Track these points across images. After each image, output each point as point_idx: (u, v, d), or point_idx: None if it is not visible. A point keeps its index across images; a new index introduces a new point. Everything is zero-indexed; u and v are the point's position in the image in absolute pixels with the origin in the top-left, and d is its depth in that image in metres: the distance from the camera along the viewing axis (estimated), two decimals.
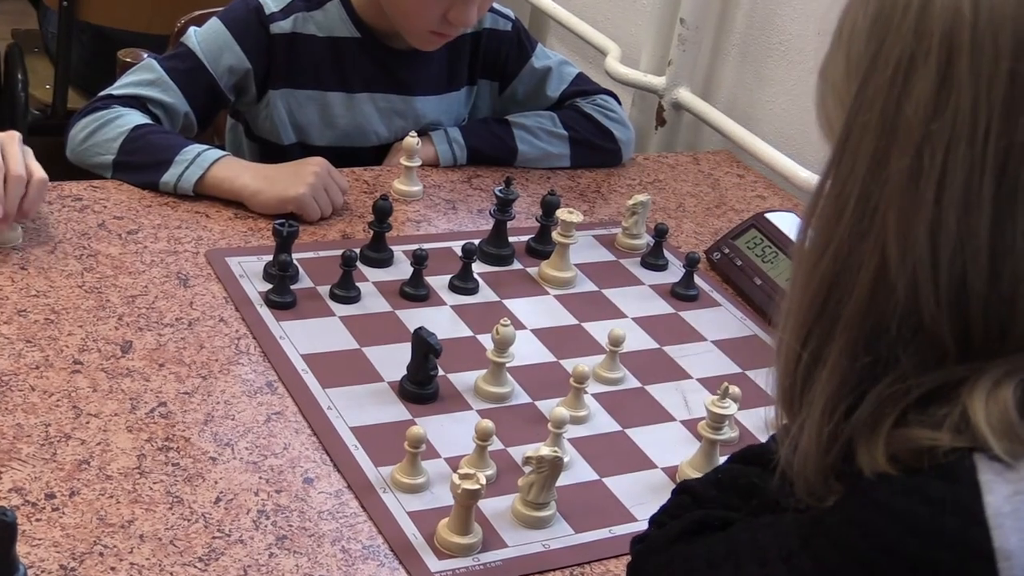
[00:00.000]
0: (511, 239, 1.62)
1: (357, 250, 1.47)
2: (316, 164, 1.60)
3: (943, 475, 0.72)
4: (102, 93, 1.68)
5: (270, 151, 1.79)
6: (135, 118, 1.63)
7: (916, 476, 0.73)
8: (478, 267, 1.53)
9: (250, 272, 1.46)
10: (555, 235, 1.56)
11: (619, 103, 1.91)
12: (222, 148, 1.86)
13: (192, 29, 1.73)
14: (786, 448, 0.80)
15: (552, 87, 1.88)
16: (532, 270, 1.58)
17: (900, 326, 0.75)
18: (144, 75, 1.69)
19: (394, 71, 1.79)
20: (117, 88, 1.69)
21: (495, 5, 1.87)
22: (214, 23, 1.73)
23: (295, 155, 1.76)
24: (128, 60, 1.87)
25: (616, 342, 1.37)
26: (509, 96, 1.90)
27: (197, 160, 1.58)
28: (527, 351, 1.40)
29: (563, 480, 1.17)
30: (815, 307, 0.77)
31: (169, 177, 1.57)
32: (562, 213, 1.54)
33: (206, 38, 1.71)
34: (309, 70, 1.75)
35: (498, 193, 1.56)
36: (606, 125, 1.87)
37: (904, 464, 0.74)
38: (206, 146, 1.61)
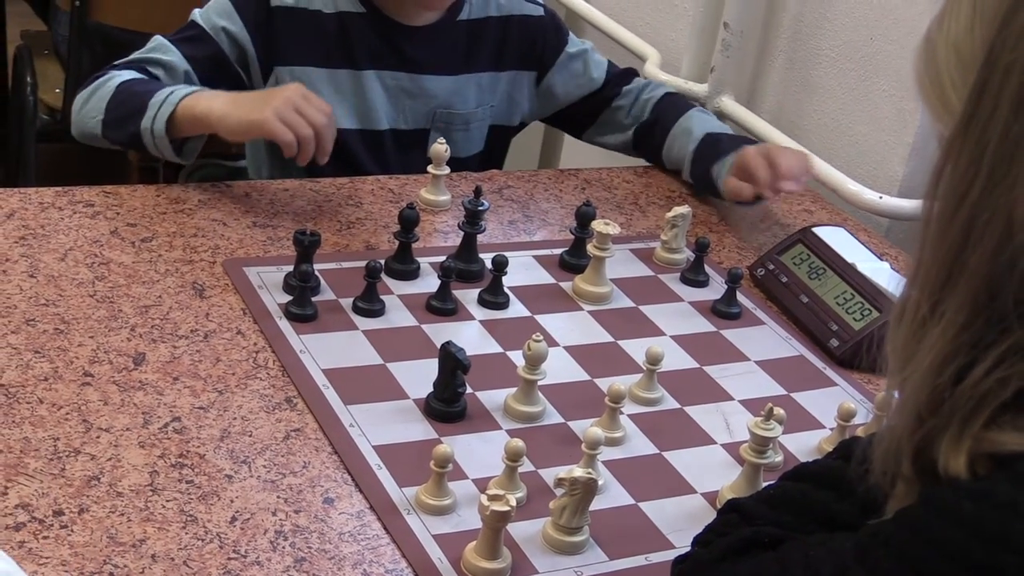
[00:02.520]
0: (544, 252, 1.63)
1: (382, 261, 1.48)
2: (288, 88, 1.61)
3: (1013, 479, 0.73)
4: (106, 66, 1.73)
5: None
6: (124, 75, 1.67)
7: (985, 481, 0.74)
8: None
9: (269, 283, 1.47)
10: (590, 248, 1.57)
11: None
12: (240, 158, 1.89)
13: (196, 8, 1.79)
14: (879, 427, 0.82)
15: (595, 69, 1.93)
16: (566, 284, 1.59)
17: (1020, 285, 0.76)
18: (148, 45, 1.75)
19: (402, 47, 1.82)
20: (120, 60, 1.74)
21: None
22: None
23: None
24: None
25: (654, 360, 1.38)
26: (550, 83, 1.92)
27: (168, 98, 1.60)
28: (560, 369, 1.41)
29: (597, 504, 1.17)
30: (948, 259, 0.79)
31: (145, 122, 1.60)
32: (598, 225, 1.54)
33: (207, 8, 1.78)
34: (316, 47, 1.79)
35: (466, 205, 1.56)
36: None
37: (981, 471, 0.75)
38: (183, 86, 1.64)
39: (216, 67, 1.75)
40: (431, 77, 1.83)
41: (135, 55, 1.74)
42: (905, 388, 0.81)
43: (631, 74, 1.97)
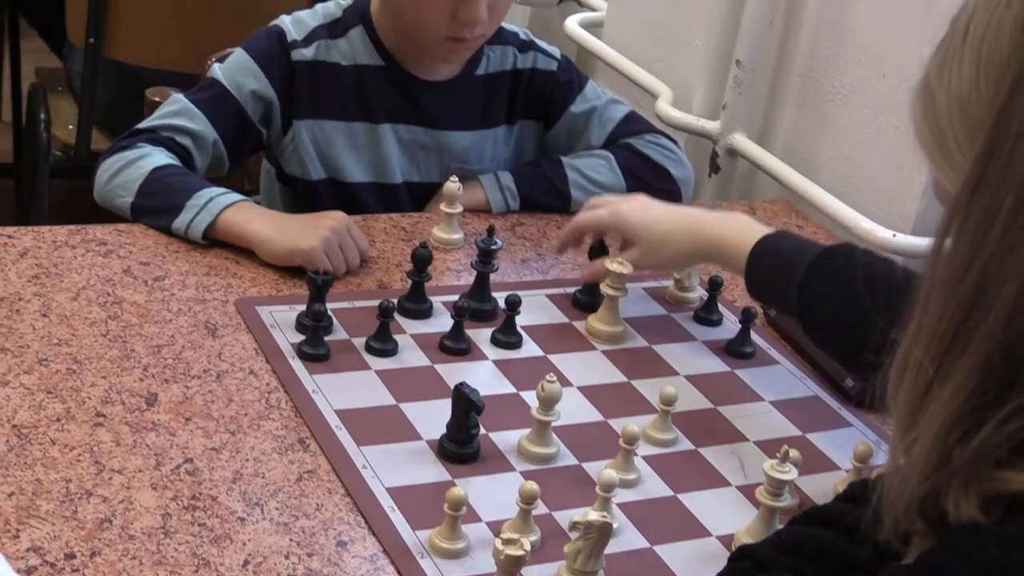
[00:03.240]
0: (557, 291, 1.62)
1: (395, 301, 1.48)
2: (334, 218, 1.60)
3: None
4: (130, 130, 1.71)
5: (300, 191, 1.81)
6: (158, 158, 1.66)
7: (1010, 524, 0.73)
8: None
9: (282, 322, 1.47)
10: (603, 287, 1.56)
11: (675, 143, 1.91)
12: (254, 194, 1.89)
13: (216, 63, 1.78)
14: (888, 470, 0.80)
15: (595, 134, 1.88)
16: (579, 324, 1.58)
17: None
18: (170, 107, 1.74)
19: (419, 102, 1.81)
20: (144, 123, 1.73)
21: (541, 44, 1.89)
22: (237, 52, 1.78)
23: (326, 193, 1.79)
24: (156, 99, 1.91)
25: (668, 401, 1.37)
26: (552, 139, 1.91)
27: (208, 206, 1.59)
28: (574, 409, 1.40)
29: (612, 547, 1.16)
30: (953, 323, 0.78)
31: (180, 223, 1.59)
32: (611, 264, 1.54)
33: (229, 66, 1.77)
34: (333, 99, 1.78)
35: (479, 243, 1.56)
36: (663, 164, 1.86)
37: (996, 512, 0.74)
38: (222, 190, 1.62)
39: (239, 126, 1.75)
40: (448, 132, 1.83)
41: (160, 119, 1.72)
42: (912, 449, 0.80)
43: (641, 132, 1.90)
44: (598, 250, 1.62)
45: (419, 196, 1.84)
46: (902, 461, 0.81)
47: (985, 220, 0.76)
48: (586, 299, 1.62)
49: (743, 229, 1.49)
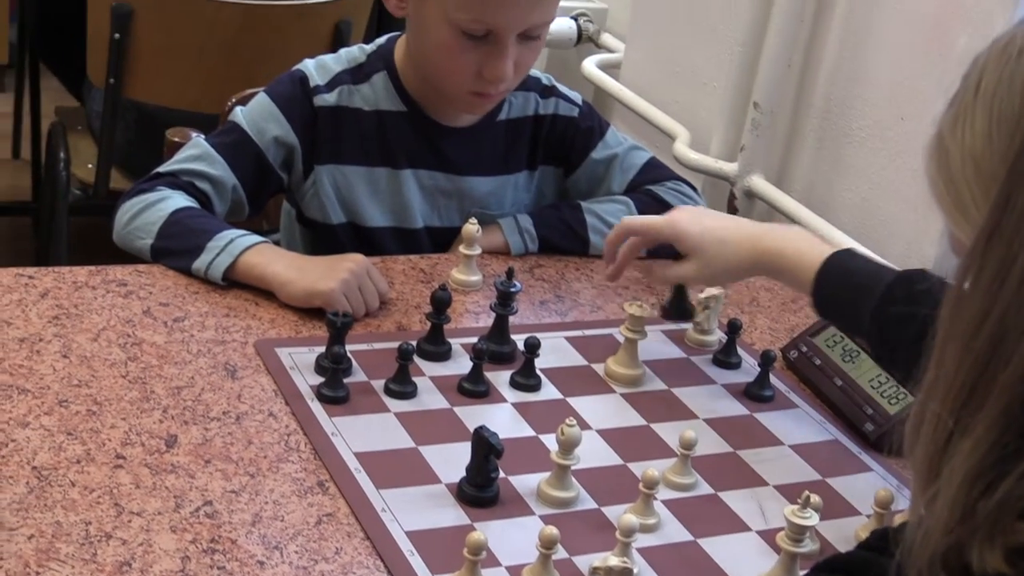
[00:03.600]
0: (576, 333, 1.62)
1: (414, 343, 1.48)
2: (353, 260, 1.60)
3: None
4: (151, 173, 1.72)
5: (320, 234, 1.81)
6: (177, 201, 1.67)
7: None
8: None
9: (301, 364, 1.47)
10: (622, 330, 1.56)
11: (695, 191, 1.91)
12: (273, 233, 1.90)
13: (239, 107, 1.78)
14: (911, 522, 0.80)
15: (617, 180, 1.89)
16: (598, 367, 1.58)
17: None
18: (190, 151, 1.74)
19: (441, 148, 1.81)
20: (164, 167, 1.73)
21: (563, 89, 1.89)
22: (260, 97, 1.78)
23: (346, 237, 1.79)
24: (176, 140, 1.92)
25: (687, 445, 1.37)
26: (572, 185, 1.91)
27: (228, 247, 1.60)
28: (593, 453, 1.40)
29: None
30: (972, 375, 0.78)
31: (200, 264, 1.60)
32: (630, 307, 1.54)
33: (251, 111, 1.77)
34: (355, 144, 1.78)
35: (498, 286, 1.56)
36: None
37: (1022, 564, 0.74)
38: (243, 232, 1.63)
39: (259, 172, 1.75)
40: (469, 178, 1.83)
41: (180, 163, 1.73)
42: (934, 503, 0.79)
43: (661, 180, 1.90)
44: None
45: (440, 241, 1.85)
46: (923, 513, 0.80)
47: (1001, 270, 0.76)
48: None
49: (807, 243, 1.49)
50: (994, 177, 0.78)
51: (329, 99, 1.77)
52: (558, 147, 1.89)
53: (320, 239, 1.82)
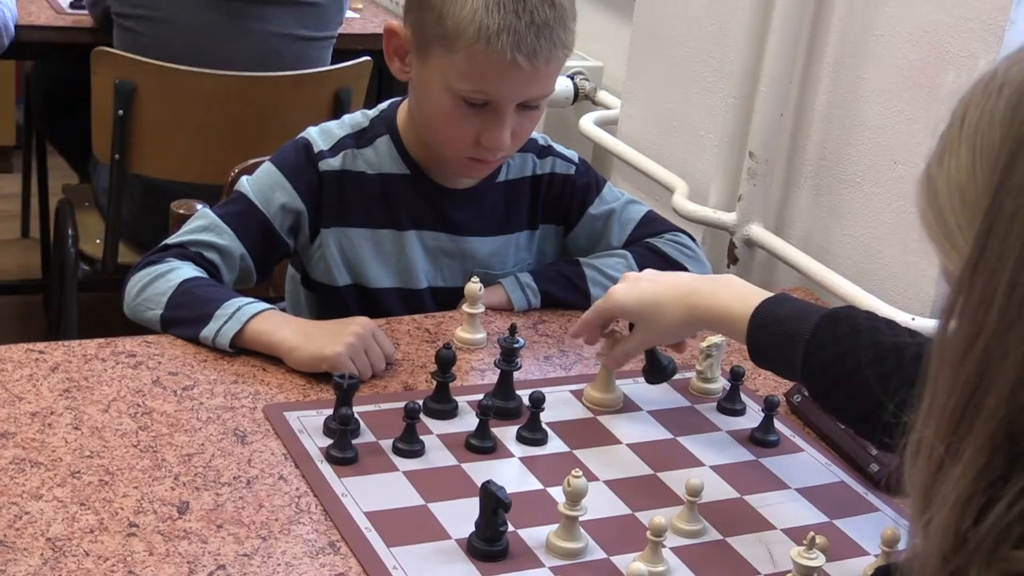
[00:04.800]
0: (581, 386, 1.64)
1: (420, 402, 1.49)
2: (359, 324, 1.62)
3: None
4: (159, 245, 1.74)
5: (326, 296, 1.84)
6: (186, 271, 1.69)
7: None
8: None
9: (310, 427, 1.49)
10: (598, 356, 1.59)
11: (694, 240, 1.93)
12: (280, 301, 1.92)
13: (244, 176, 1.81)
14: (909, 551, 0.81)
15: (616, 234, 1.91)
16: (603, 419, 1.59)
17: None
18: (198, 222, 1.77)
19: (443, 209, 1.84)
20: (172, 238, 1.76)
21: (559, 148, 1.92)
22: (265, 166, 1.81)
23: (352, 299, 1.81)
24: (181, 212, 1.94)
25: (694, 492, 1.38)
26: (572, 241, 1.94)
27: (236, 315, 1.62)
28: (600, 503, 1.41)
29: None
30: (961, 402, 0.79)
31: (208, 332, 1.62)
32: (606, 333, 1.59)
33: (257, 180, 1.80)
34: (359, 207, 1.81)
35: (502, 343, 1.57)
36: (680, 261, 1.89)
37: None
38: (249, 299, 1.65)
39: (266, 240, 1.78)
40: (471, 238, 1.86)
41: (188, 235, 1.75)
42: (928, 530, 0.81)
43: (659, 233, 1.93)
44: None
45: (444, 301, 1.87)
46: (920, 541, 0.82)
47: (985, 298, 0.78)
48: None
49: (737, 294, 1.50)
50: (978, 208, 0.80)
51: (333, 164, 1.80)
52: (557, 205, 1.91)
53: (326, 302, 1.84)
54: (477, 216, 1.86)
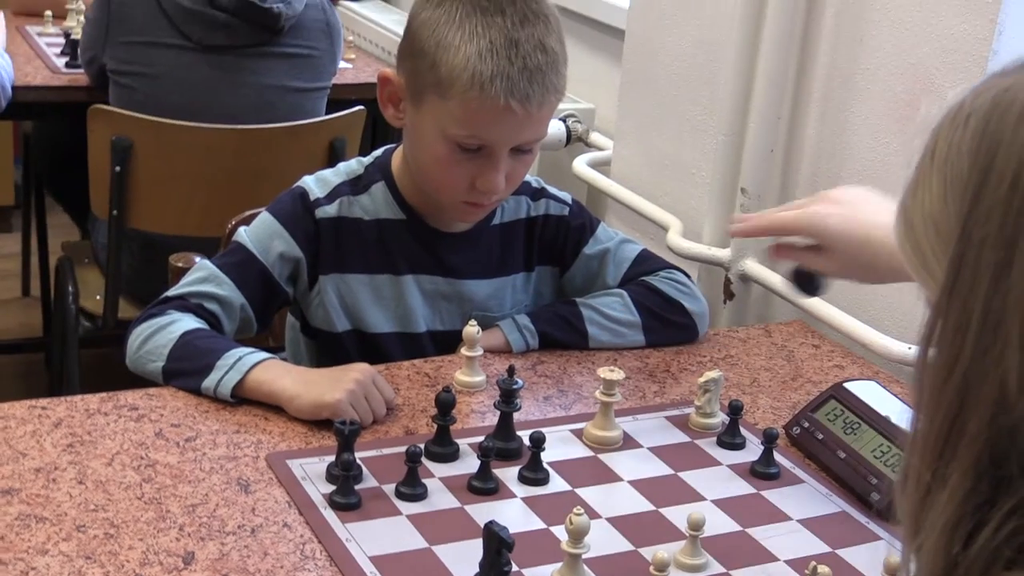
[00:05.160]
0: (582, 425, 1.65)
1: (421, 445, 1.50)
2: (358, 370, 1.64)
3: None
4: (160, 297, 1.76)
5: (326, 343, 1.85)
6: (187, 323, 1.70)
7: None
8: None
9: (312, 474, 1.49)
10: (597, 394, 1.61)
11: (688, 277, 1.95)
12: (280, 350, 1.93)
13: (242, 228, 1.82)
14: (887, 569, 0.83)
15: (611, 273, 1.93)
16: (605, 456, 1.60)
17: (1022, 442, 0.77)
18: (197, 274, 1.79)
19: (440, 253, 1.86)
20: (173, 290, 1.78)
21: (552, 190, 1.94)
22: (262, 216, 1.83)
23: (351, 344, 1.83)
24: (180, 265, 1.96)
25: (696, 526, 1.38)
26: (568, 282, 1.95)
27: (236, 365, 1.63)
28: (603, 540, 1.41)
29: None
30: (944, 428, 0.80)
31: (209, 382, 1.63)
32: (603, 372, 1.59)
33: (255, 230, 1.81)
34: (357, 253, 1.83)
35: (501, 384, 1.58)
36: (676, 298, 1.91)
37: None
38: (250, 349, 1.66)
39: (265, 289, 1.80)
40: (468, 282, 1.87)
41: (188, 287, 1.77)
42: (920, 555, 0.82)
43: (654, 270, 1.94)
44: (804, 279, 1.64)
45: (443, 344, 1.88)
46: (912, 567, 0.83)
47: (960, 324, 0.80)
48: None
49: None
50: (952, 237, 0.82)
51: (330, 211, 1.81)
52: (552, 246, 1.93)
53: (325, 348, 1.86)
54: (473, 259, 1.88)
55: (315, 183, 1.84)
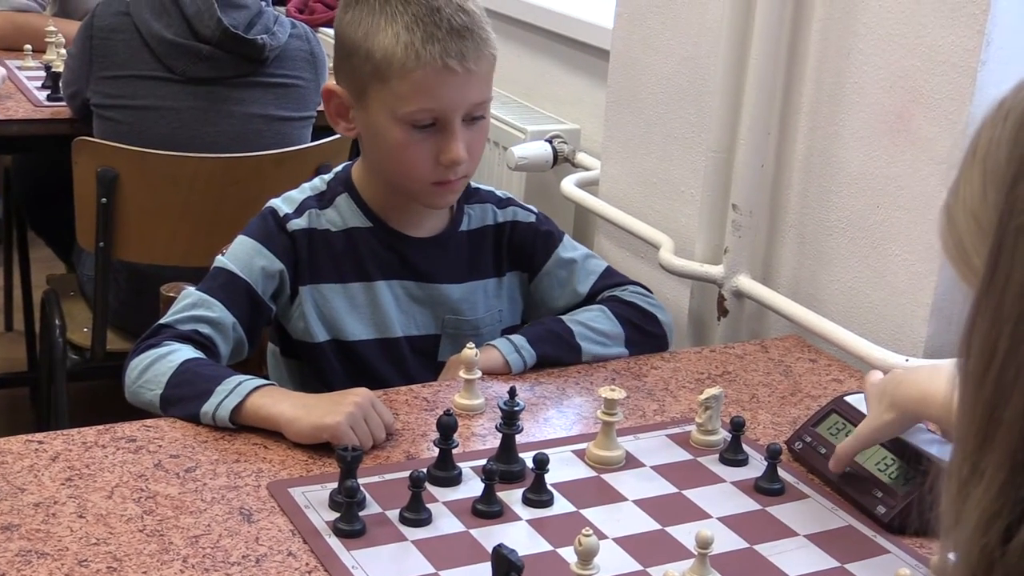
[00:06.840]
0: (584, 445, 1.64)
1: (424, 470, 1.49)
2: (357, 394, 1.64)
3: None
4: (154, 326, 1.77)
5: (307, 356, 1.89)
6: (186, 352, 1.71)
7: None
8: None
9: (315, 502, 1.48)
10: (599, 414, 1.61)
11: (650, 292, 2.03)
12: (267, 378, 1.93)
13: (219, 255, 1.87)
14: (937, 567, 0.82)
15: (580, 282, 1.99)
16: (608, 476, 1.59)
17: None
18: (186, 301, 1.81)
19: (409, 258, 1.90)
20: (165, 318, 1.80)
21: (519, 201, 2.02)
22: (239, 239, 1.87)
23: (332, 354, 1.86)
24: (171, 295, 1.95)
25: (704, 544, 1.38)
26: (536, 287, 1.99)
27: (237, 389, 1.64)
28: (612, 561, 1.41)
29: None
30: (983, 417, 0.80)
31: (208, 407, 1.63)
32: (604, 391, 1.59)
33: (234, 252, 1.85)
34: (329, 263, 1.87)
35: (502, 406, 1.58)
36: (650, 310, 1.98)
37: None
38: (249, 376, 1.67)
39: (251, 306, 1.82)
40: (439, 285, 1.91)
41: (180, 313, 1.78)
42: (956, 550, 0.82)
43: (620, 284, 2.01)
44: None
45: (419, 349, 1.92)
46: (949, 560, 0.82)
47: (997, 315, 0.80)
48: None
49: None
50: (991, 229, 0.82)
51: (300, 223, 1.86)
52: (521, 251, 1.98)
53: (308, 364, 1.89)
54: (443, 263, 1.92)
55: (282, 202, 1.89)
